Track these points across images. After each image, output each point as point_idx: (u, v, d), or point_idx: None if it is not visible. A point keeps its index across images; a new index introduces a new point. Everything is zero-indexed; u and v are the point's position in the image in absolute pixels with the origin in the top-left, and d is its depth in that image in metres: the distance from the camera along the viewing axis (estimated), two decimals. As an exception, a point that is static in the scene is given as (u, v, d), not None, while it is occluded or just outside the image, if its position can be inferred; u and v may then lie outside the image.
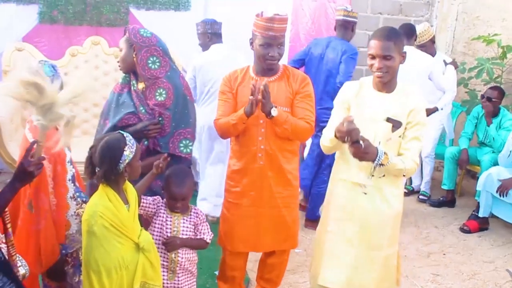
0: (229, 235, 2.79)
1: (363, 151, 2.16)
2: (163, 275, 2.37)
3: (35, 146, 2.00)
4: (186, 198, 2.44)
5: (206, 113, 3.82)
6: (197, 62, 4.07)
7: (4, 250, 2.05)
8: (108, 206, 2.05)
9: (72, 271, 2.57)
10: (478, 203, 4.33)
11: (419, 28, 4.69)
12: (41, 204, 2.37)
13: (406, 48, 4.34)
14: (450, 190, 4.90)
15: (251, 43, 2.65)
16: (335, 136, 2.24)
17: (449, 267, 3.73)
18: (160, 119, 2.55)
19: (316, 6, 5.49)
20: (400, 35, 2.38)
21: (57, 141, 2.44)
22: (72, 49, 4.67)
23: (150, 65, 2.55)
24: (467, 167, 4.97)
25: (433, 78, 4.38)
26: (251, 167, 2.67)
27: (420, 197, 5.07)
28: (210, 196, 4.06)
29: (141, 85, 2.61)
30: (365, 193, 2.40)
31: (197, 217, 2.50)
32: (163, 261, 2.38)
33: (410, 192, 5.23)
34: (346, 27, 4.10)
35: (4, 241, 2.08)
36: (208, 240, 2.51)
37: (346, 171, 2.46)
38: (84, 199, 2.55)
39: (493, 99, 4.53)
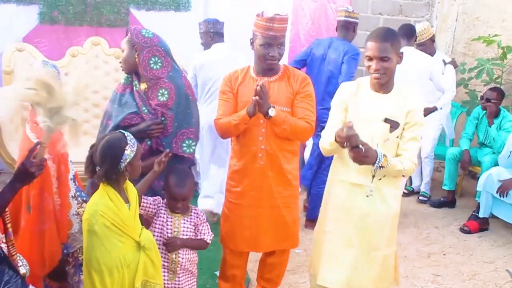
0: (231, 235, 2.79)
1: (363, 155, 2.16)
2: (164, 276, 2.37)
3: (38, 147, 2.01)
4: (187, 198, 2.44)
5: (207, 113, 3.83)
6: (198, 61, 4.07)
7: (5, 250, 2.06)
8: (109, 205, 2.05)
9: (73, 271, 2.57)
10: (478, 203, 4.33)
11: (418, 27, 4.70)
12: (45, 204, 2.38)
13: (406, 48, 4.40)
14: (450, 191, 4.90)
15: (252, 43, 2.66)
16: (335, 140, 2.25)
17: (449, 267, 3.73)
18: (162, 119, 2.55)
19: (316, 7, 5.50)
20: (396, 36, 2.38)
21: (64, 145, 2.46)
22: (72, 49, 4.67)
23: (152, 65, 2.55)
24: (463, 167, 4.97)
25: (432, 78, 4.38)
26: (252, 167, 2.67)
27: (420, 198, 5.07)
28: (213, 193, 4.07)
29: (143, 86, 2.61)
30: (368, 196, 2.40)
31: (197, 217, 2.50)
32: (164, 261, 2.38)
33: (410, 192, 5.23)
34: (348, 27, 4.11)
35: (4, 241, 2.08)
36: (208, 241, 2.52)
37: (344, 172, 2.46)
38: (84, 198, 2.56)
39: (492, 100, 4.54)
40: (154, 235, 2.37)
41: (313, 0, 5.48)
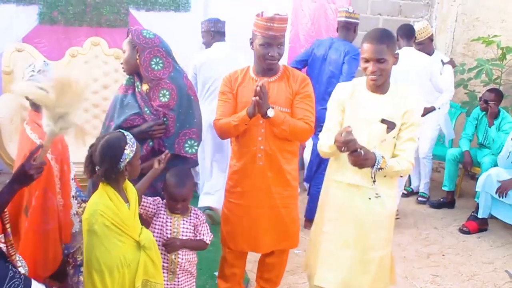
0: (231, 235, 2.79)
1: (363, 158, 2.17)
2: (163, 276, 2.37)
3: (39, 149, 2.01)
4: (187, 199, 2.44)
5: (207, 112, 3.82)
6: (198, 60, 4.08)
7: (4, 250, 2.06)
8: (108, 205, 2.05)
9: (73, 272, 2.57)
10: (478, 204, 4.33)
11: (417, 26, 4.70)
12: (49, 204, 2.38)
13: (406, 49, 4.40)
14: (450, 192, 4.90)
15: (251, 43, 2.66)
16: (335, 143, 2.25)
17: (449, 268, 3.73)
18: (164, 119, 2.55)
19: (315, 7, 5.50)
20: (392, 37, 2.39)
21: (65, 146, 2.45)
22: (72, 50, 4.67)
23: (153, 66, 2.54)
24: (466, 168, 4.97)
25: (431, 79, 4.39)
26: (251, 168, 2.67)
27: (419, 199, 5.06)
28: (215, 191, 4.07)
29: (145, 87, 2.60)
30: (371, 198, 2.40)
31: (196, 218, 2.50)
32: (163, 262, 2.38)
33: (410, 193, 5.22)
34: (348, 28, 4.12)
35: (3, 241, 2.08)
36: (207, 241, 2.51)
37: (341, 173, 2.46)
38: (83, 198, 2.56)
39: (489, 102, 4.54)
40: (153, 235, 2.37)
41: (313, 0, 5.49)
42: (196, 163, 2.74)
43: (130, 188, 2.20)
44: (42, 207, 2.36)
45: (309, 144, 4.47)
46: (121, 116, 2.56)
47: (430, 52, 4.72)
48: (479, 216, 4.30)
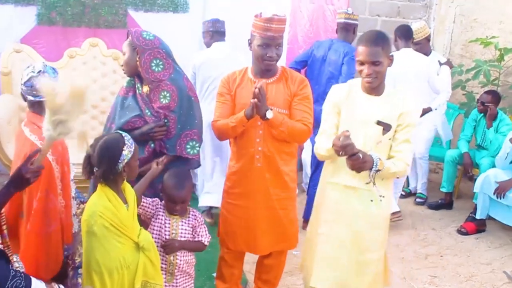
0: (230, 235, 2.79)
1: (362, 161, 2.17)
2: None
3: (37, 153, 2.00)
4: (185, 200, 2.44)
5: (207, 112, 3.81)
6: (198, 59, 4.07)
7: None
8: (107, 206, 2.05)
9: (72, 273, 2.56)
10: (476, 205, 4.34)
11: (415, 26, 4.71)
12: (51, 205, 2.37)
13: (404, 50, 4.41)
14: (448, 193, 4.90)
15: (250, 44, 2.65)
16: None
17: (447, 269, 3.74)
18: (165, 121, 2.55)
19: (314, 8, 5.50)
20: (387, 39, 2.39)
21: (65, 147, 2.45)
22: (70, 50, 4.66)
23: (154, 67, 2.54)
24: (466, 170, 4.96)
25: (429, 80, 4.39)
26: (249, 169, 2.66)
27: (417, 199, 5.05)
28: (215, 191, 4.06)
29: (145, 88, 2.60)
30: (372, 200, 2.40)
31: (195, 219, 2.50)
32: (162, 263, 2.38)
33: (408, 194, 5.22)
34: (348, 29, 4.14)
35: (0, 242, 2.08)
36: (206, 243, 2.51)
37: (337, 175, 2.46)
38: (82, 200, 2.56)
39: (486, 104, 4.55)
40: (152, 236, 2.37)
41: (311, 2, 5.49)
42: (198, 164, 2.74)
43: (129, 189, 2.20)
44: (44, 209, 2.35)
45: (307, 145, 4.48)
46: (122, 118, 2.56)
47: (427, 53, 4.73)
48: (477, 217, 4.30)
